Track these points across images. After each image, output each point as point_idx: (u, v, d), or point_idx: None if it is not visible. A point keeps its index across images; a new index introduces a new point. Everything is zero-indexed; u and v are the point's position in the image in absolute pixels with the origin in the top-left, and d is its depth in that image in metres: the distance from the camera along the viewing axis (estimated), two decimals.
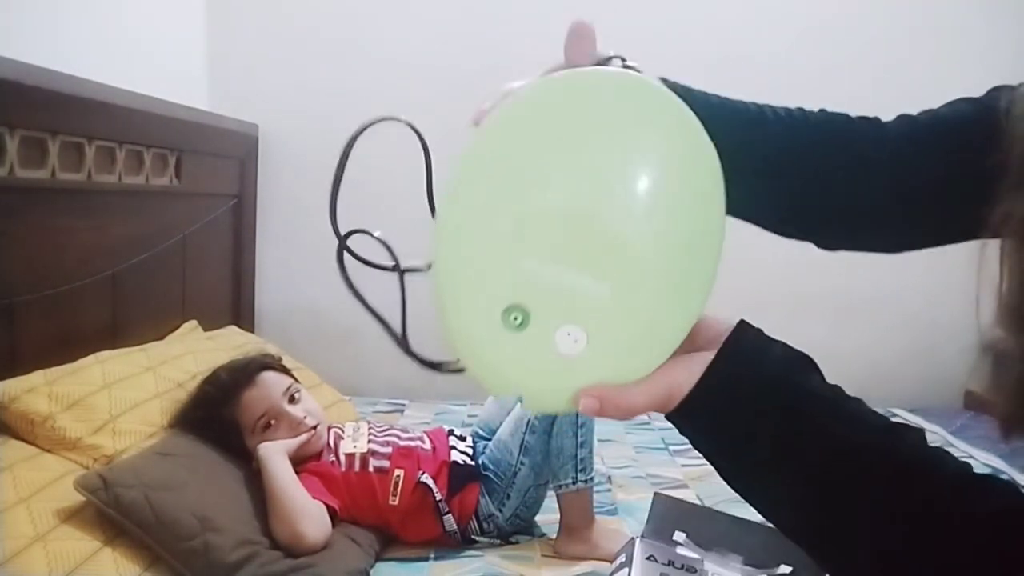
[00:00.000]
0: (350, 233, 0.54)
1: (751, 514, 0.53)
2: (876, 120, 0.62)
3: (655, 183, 0.45)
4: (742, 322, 0.48)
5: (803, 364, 0.47)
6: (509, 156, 0.46)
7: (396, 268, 0.55)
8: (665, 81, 0.51)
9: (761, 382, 0.46)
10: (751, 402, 0.46)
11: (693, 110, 0.47)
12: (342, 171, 0.55)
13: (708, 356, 0.46)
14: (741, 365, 0.46)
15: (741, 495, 0.49)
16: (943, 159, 0.59)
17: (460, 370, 0.50)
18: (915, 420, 2.35)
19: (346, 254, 0.53)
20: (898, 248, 0.65)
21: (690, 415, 0.47)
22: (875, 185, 0.60)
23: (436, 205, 0.48)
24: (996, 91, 0.61)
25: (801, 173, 0.60)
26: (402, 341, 0.53)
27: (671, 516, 0.60)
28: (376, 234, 0.55)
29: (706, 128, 0.46)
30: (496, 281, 0.46)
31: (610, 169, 0.45)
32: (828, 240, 0.64)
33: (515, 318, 0.45)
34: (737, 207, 0.49)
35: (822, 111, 0.62)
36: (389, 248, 0.55)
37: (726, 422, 0.46)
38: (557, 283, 0.45)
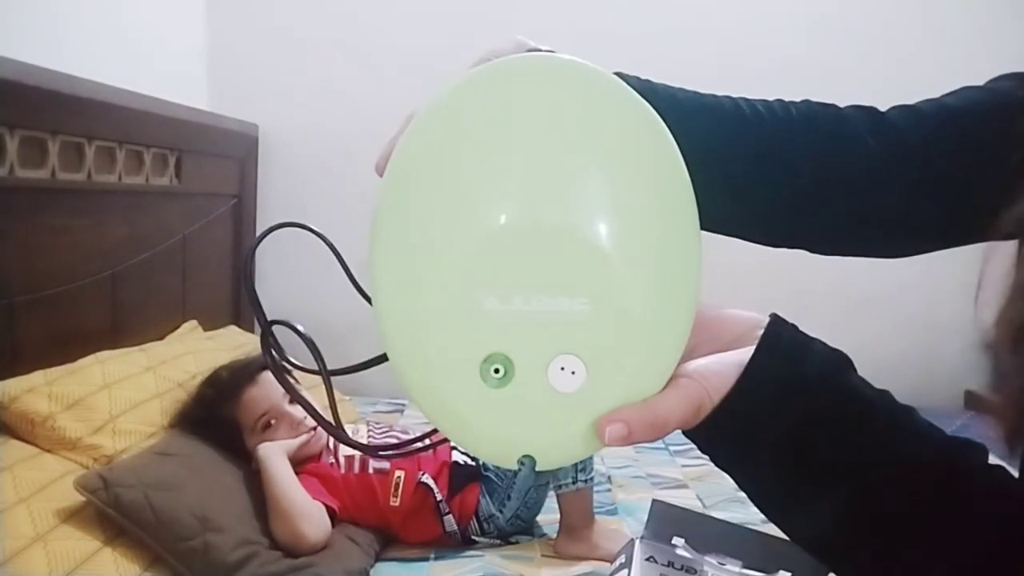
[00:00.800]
0: (274, 322, 0.48)
1: (749, 519, 0.51)
2: (872, 110, 0.57)
3: (598, 169, 0.39)
4: (776, 316, 0.42)
5: (846, 364, 0.42)
6: (428, 189, 0.39)
7: (321, 371, 0.49)
8: (622, 75, 0.45)
9: (808, 385, 0.40)
10: (798, 406, 0.40)
11: (656, 107, 0.41)
12: (250, 269, 0.51)
13: (741, 355, 0.40)
14: (783, 364, 0.40)
15: (774, 515, 0.43)
16: (955, 151, 0.54)
17: (424, 448, 0.45)
18: None
19: (284, 338, 0.49)
20: (902, 250, 0.60)
21: (726, 423, 0.40)
22: (879, 180, 0.55)
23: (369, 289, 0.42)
24: (1005, 79, 0.57)
25: (793, 173, 0.55)
26: (339, 433, 0.49)
27: (669, 522, 0.60)
28: (299, 328, 0.50)
29: (675, 130, 0.40)
30: (460, 338, 0.39)
31: (542, 169, 0.38)
32: (824, 245, 0.59)
33: (496, 371, 0.39)
34: (717, 219, 0.43)
35: (806, 102, 0.57)
36: (314, 346, 0.49)
37: (768, 430, 0.40)
38: (528, 316, 0.38)
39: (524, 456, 0.41)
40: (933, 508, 0.39)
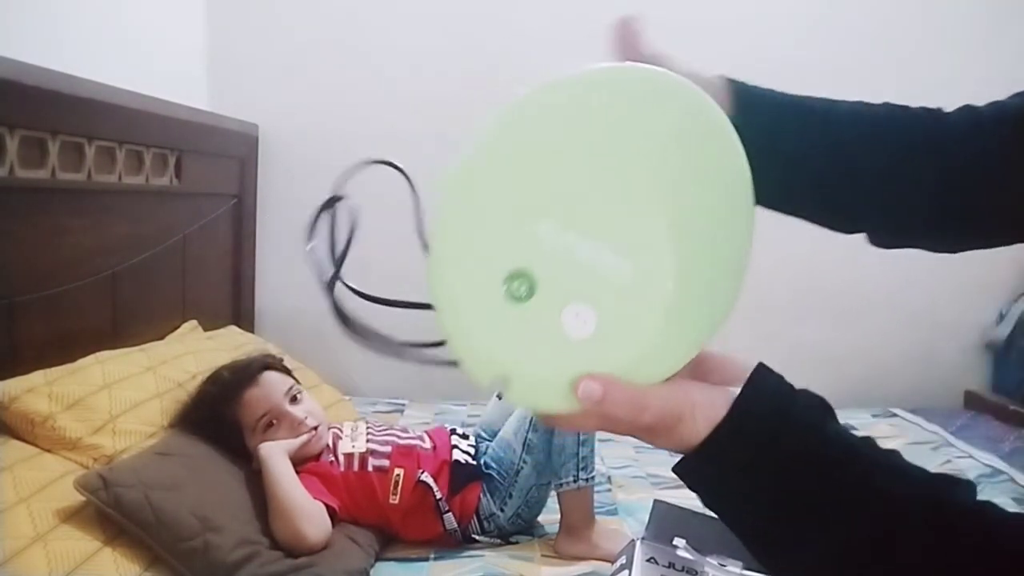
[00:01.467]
0: (333, 200, 0.50)
1: None
2: (938, 111, 0.60)
3: (677, 161, 0.42)
4: (762, 364, 0.44)
5: (829, 411, 0.43)
6: (534, 123, 0.42)
7: (397, 302, 0.49)
8: (729, 80, 0.52)
9: (795, 427, 0.41)
10: (785, 443, 0.41)
11: (752, 107, 0.47)
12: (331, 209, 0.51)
13: (730, 390, 0.42)
14: (771, 405, 0.41)
15: (760, 551, 0.44)
16: (1002, 150, 0.56)
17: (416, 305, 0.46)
18: (915, 420, 2.35)
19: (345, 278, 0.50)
20: (956, 247, 0.62)
21: (719, 454, 0.41)
22: (939, 178, 0.57)
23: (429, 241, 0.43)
24: None
25: (880, 171, 0.57)
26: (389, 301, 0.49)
27: (670, 522, 0.60)
28: (399, 164, 0.51)
29: (774, 127, 0.46)
30: (506, 242, 0.41)
31: (631, 144, 0.41)
32: (883, 237, 0.60)
33: (520, 286, 0.40)
34: (811, 210, 0.51)
35: (885, 104, 0.59)
36: (408, 179, 0.50)
37: (757, 467, 0.41)
38: (574, 253, 0.40)
39: (500, 376, 0.42)
40: (917, 545, 0.40)
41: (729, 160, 0.42)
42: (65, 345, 1.50)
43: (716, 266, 0.42)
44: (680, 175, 0.41)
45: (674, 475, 1.64)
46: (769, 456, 0.41)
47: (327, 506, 1.43)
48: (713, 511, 0.44)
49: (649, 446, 2.10)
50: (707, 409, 0.41)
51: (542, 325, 0.41)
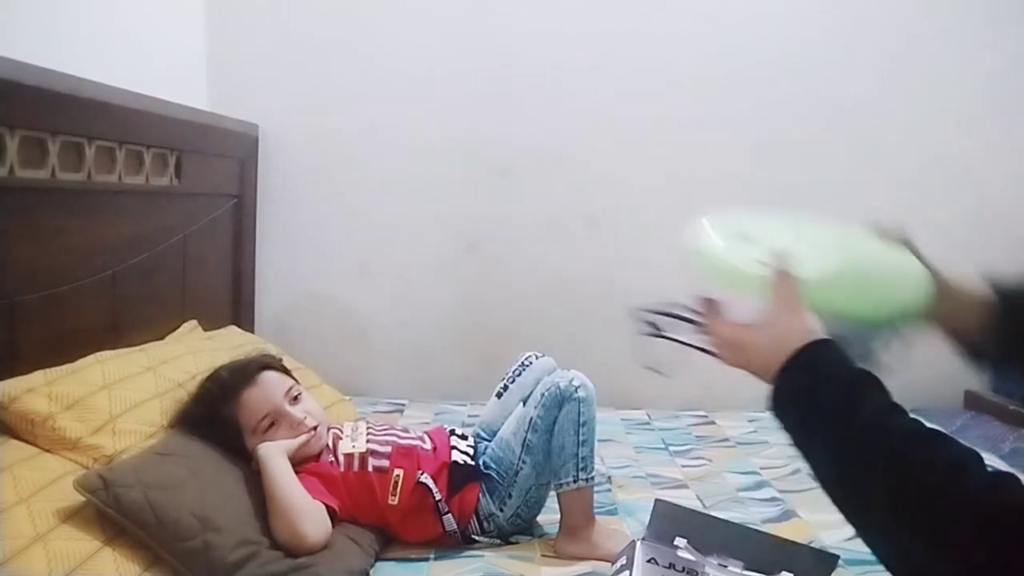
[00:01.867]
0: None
1: (749, 519, 0.53)
2: None
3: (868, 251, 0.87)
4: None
5: (877, 383, 0.68)
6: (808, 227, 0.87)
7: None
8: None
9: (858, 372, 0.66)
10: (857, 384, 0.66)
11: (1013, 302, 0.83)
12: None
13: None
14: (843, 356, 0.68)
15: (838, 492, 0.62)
16: None
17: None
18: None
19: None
20: None
21: (812, 364, 0.64)
22: None
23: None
24: None
25: None
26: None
27: (671, 522, 0.60)
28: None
29: None
30: (751, 224, 0.83)
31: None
32: None
33: (746, 238, 0.79)
34: None
35: None
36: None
37: (832, 387, 0.65)
38: (787, 241, 0.77)
39: (708, 254, 0.81)
40: (929, 471, 0.58)
41: (899, 268, 0.86)
42: (65, 345, 1.50)
43: (856, 297, 0.81)
44: (866, 256, 0.84)
45: (673, 475, 1.66)
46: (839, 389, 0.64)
47: (327, 506, 1.43)
48: (799, 437, 0.65)
49: (649, 446, 2.07)
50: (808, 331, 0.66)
51: (744, 254, 0.77)
